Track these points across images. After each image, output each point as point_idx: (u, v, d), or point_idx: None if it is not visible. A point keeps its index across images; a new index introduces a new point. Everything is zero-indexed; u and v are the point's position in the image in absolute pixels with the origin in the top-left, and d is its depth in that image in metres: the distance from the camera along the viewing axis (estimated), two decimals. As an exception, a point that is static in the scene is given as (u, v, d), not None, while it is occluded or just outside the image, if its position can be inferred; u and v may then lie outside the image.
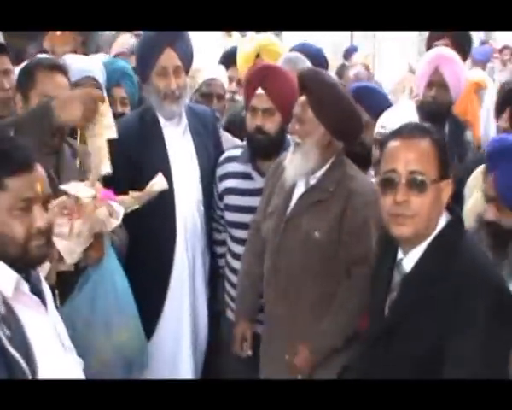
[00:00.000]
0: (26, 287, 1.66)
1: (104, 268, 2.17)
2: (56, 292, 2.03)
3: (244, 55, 3.58)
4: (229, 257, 2.77)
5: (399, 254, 1.81)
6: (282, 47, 3.73)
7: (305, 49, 3.47)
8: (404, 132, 1.77)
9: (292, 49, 3.56)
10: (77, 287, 2.15)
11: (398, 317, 1.78)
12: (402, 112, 2.61)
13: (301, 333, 2.30)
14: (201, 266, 2.79)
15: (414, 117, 2.51)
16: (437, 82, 2.95)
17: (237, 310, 2.62)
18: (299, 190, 2.39)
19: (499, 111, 2.89)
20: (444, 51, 3.09)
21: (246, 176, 2.71)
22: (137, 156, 2.66)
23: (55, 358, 1.75)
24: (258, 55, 3.49)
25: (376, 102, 2.73)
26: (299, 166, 2.32)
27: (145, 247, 2.59)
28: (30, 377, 1.63)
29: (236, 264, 2.70)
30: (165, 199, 2.56)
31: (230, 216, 2.73)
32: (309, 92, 2.29)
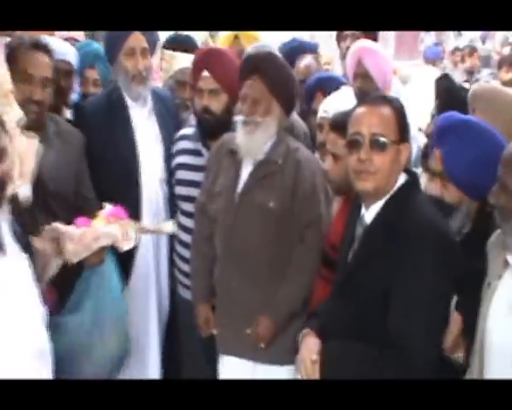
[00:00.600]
0: None
1: (102, 271, 2.27)
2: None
3: (224, 36, 3.76)
4: (179, 230, 2.81)
5: (362, 210, 2.00)
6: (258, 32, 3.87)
7: (303, 44, 3.71)
8: (368, 100, 1.99)
9: (286, 45, 3.72)
10: (76, 286, 2.24)
11: (359, 262, 1.96)
12: (342, 98, 2.73)
13: (260, 304, 2.40)
14: (165, 243, 2.88)
15: (352, 103, 2.62)
16: (360, 73, 3.08)
17: (194, 294, 2.70)
18: (247, 167, 2.51)
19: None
20: (364, 44, 3.21)
21: (196, 153, 2.81)
22: (104, 135, 2.74)
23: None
24: (236, 37, 3.63)
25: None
26: (260, 143, 2.45)
27: None
28: None
29: (185, 237, 2.78)
30: (131, 176, 2.73)
31: (181, 190, 2.83)
32: (264, 74, 2.44)
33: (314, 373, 1.98)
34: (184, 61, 3.20)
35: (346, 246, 2.05)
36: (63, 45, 3.06)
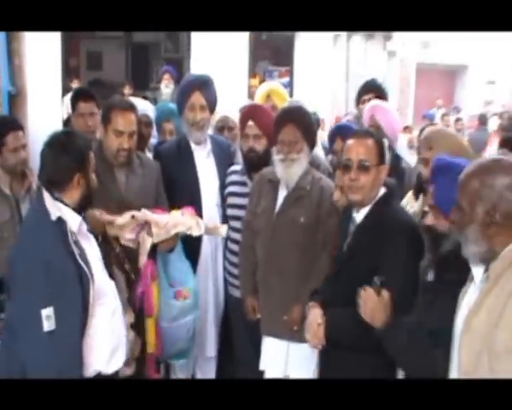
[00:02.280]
0: (85, 226, 2.48)
1: (175, 252, 2.98)
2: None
3: (259, 95, 4.53)
4: (229, 243, 3.49)
5: (354, 214, 2.58)
6: (284, 91, 4.67)
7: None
8: (356, 134, 2.62)
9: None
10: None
11: (352, 251, 2.54)
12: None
13: (293, 296, 2.99)
14: (220, 254, 3.56)
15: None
16: (373, 125, 3.62)
17: (243, 290, 3.33)
18: (283, 192, 3.13)
19: None
20: (377, 103, 3.85)
21: (242, 183, 3.45)
22: (174, 172, 3.43)
23: (103, 275, 2.49)
24: (268, 96, 4.40)
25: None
26: (295, 175, 3.06)
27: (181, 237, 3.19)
28: (92, 285, 2.33)
29: (234, 247, 3.42)
30: (195, 202, 3.37)
31: (231, 212, 3.47)
32: (298, 122, 3.05)
33: (319, 334, 2.51)
34: (222, 112, 3.96)
35: (342, 240, 2.63)
36: (144, 103, 3.85)
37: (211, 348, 3.59)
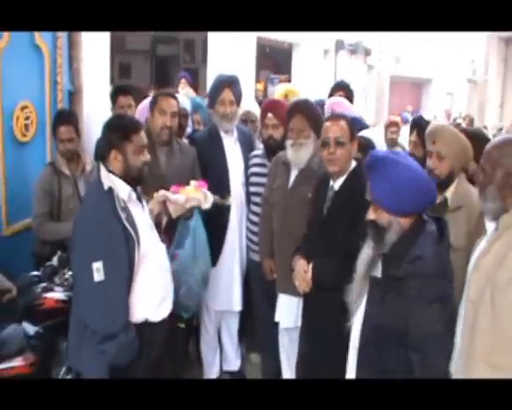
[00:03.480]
0: (134, 195, 2.69)
1: (192, 224, 3.19)
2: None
3: (278, 93, 5.17)
4: (250, 215, 4.00)
5: (331, 183, 2.97)
6: (298, 90, 5.30)
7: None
8: (332, 117, 3.04)
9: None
10: (177, 233, 3.19)
11: (331, 213, 2.92)
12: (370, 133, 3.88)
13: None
14: (244, 226, 4.06)
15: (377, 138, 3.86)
16: None
17: (262, 254, 3.78)
18: (294, 172, 3.52)
19: None
20: (334, 100, 4.39)
21: (263, 165, 3.91)
22: (207, 156, 3.91)
23: (150, 238, 2.72)
24: (286, 95, 5.00)
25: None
26: (303, 157, 3.44)
27: (212, 210, 3.49)
28: (137, 245, 2.52)
29: (255, 218, 3.90)
30: (224, 181, 3.91)
31: (253, 189, 3.95)
32: (304, 112, 3.42)
33: (307, 279, 2.89)
34: (245, 107, 4.45)
35: (321, 204, 2.99)
36: (183, 99, 4.37)
37: (237, 303, 4.09)
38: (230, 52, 9.09)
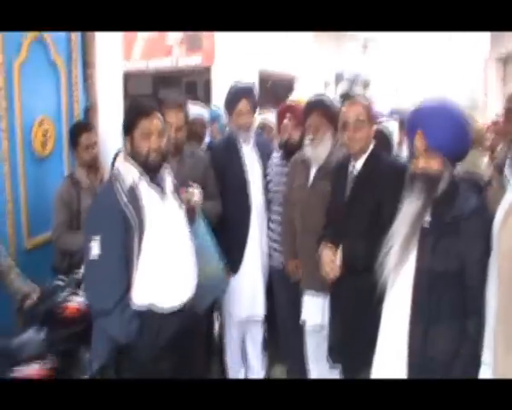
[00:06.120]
0: (144, 178, 2.61)
1: (197, 225, 3.24)
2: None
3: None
4: (271, 215, 3.99)
5: (352, 164, 3.00)
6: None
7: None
8: (351, 100, 3.06)
9: None
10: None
11: (355, 194, 2.93)
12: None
13: None
14: (265, 231, 4.02)
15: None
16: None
17: (285, 254, 3.78)
18: (313, 170, 3.52)
19: None
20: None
21: (282, 165, 3.92)
22: (225, 164, 3.90)
23: (166, 225, 2.64)
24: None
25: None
26: (321, 153, 3.46)
27: (232, 218, 3.80)
28: (137, 227, 2.49)
29: (277, 217, 3.91)
30: (244, 187, 3.91)
31: (272, 192, 3.97)
32: (321, 109, 3.47)
33: (334, 268, 2.85)
34: (261, 116, 4.54)
35: (342, 187, 3.00)
36: (200, 108, 4.41)
37: (260, 310, 4.04)
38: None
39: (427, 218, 2.32)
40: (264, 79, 12.06)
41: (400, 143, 4.25)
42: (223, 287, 3.66)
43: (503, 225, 2.07)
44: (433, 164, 2.28)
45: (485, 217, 2.20)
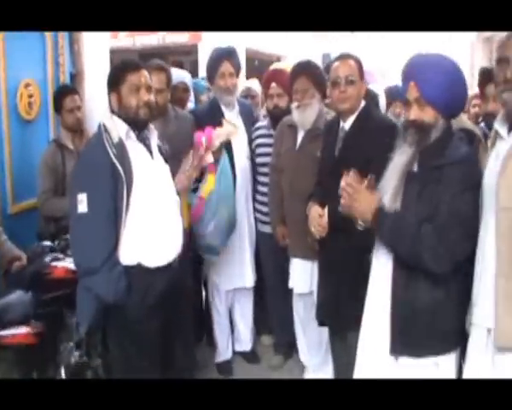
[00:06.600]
0: (132, 134, 2.61)
1: (222, 162, 3.45)
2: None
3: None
4: (258, 186, 3.95)
5: (341, 124, 2.94)
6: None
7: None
8: (341, 57, 3.00)
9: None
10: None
11: (345, 152, 2.88)
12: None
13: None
14: (251, 196, 4.01)
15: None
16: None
17: (273, 221, 3.76)
18: (301, 134, 3.51)
19: None
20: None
21: (268, 136, 3.90)
22: None
23: (153, 181, 2.64)
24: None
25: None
26: (309, 118, 3.40)
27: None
28: (125, 183, 2.45)
29: (263, 188, 3.89)
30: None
31: (260, 159, 3.93)
32: (308, 72, 3.41)
33: (323, 223, 2.83)
34: (246, 83, 4.50)
35: (331, 148, 2.96)
36: (182, 72, 4.35)
37: (250, 279, 4.04)
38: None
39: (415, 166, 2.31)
40: (251, 58, 12.02)
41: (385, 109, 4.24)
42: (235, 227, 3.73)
43: (502, 175, 2.03)
44: (425, 115, 2.25)
45: (470, 167, 2.18)
